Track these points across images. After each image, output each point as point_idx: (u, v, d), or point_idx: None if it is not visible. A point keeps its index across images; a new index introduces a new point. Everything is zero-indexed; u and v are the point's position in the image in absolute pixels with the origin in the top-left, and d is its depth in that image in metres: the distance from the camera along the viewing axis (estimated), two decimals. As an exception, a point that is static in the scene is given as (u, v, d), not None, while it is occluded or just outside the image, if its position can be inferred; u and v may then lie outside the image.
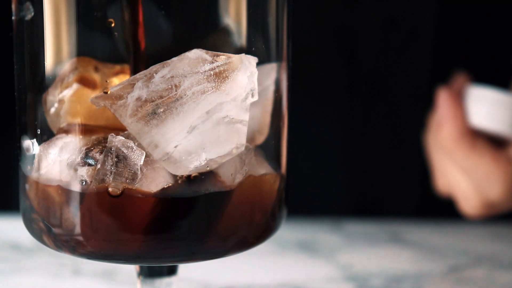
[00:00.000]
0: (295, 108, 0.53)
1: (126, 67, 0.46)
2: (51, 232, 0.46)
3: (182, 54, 0.44)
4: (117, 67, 0.46)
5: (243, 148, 0.45)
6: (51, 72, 0.46)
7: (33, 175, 0.47)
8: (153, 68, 0.44)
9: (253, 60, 0.45)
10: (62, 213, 0.46)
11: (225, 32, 0.47)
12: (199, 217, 0.46)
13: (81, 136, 0.45)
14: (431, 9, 0.86)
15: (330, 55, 0.86)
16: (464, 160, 0.75)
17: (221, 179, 0.46)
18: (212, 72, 0.44)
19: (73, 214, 0.45)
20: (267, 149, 0.49)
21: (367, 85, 0.87)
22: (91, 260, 0.47)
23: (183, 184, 0.45)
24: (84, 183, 0.45)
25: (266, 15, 0.47)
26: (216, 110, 0.44)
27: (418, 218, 0.85)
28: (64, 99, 0.46)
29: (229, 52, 0.44)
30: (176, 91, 0.44)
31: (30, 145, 0.47)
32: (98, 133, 0.45)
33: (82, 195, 0.45)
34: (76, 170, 0.45)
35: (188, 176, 0.45)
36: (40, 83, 0.47)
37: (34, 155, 0.47)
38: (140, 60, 0.45)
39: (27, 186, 0.48)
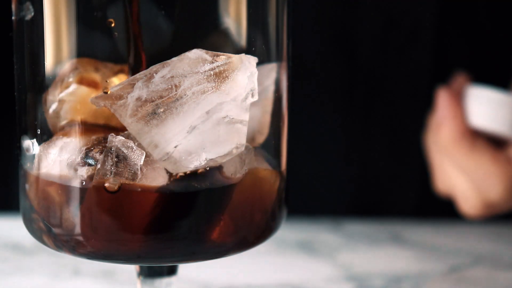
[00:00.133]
0: (295, 108, 0.53)
1: (126, 67, 0.46)
2: (51, 232, 0.46)
3: (182, 54, 0.44)
4: (117, 67, 0.46)
5: (243, 148, 0.45)
6: (51, 72, 0.46)
7: (33, 175, 0.47)
8: (153, 68, 0.44)
9: (253, 60, 0.45)
10: (62, 213, 0.46)
11: (225, 32, 0.47)
12: (199, 216, 0.46)
13: (81, 136, 0.45)
14: (431, 9, 0.86)
15: (330, 55, 0.86)
16: (464, 160, 0.75)
17: (221, 180, 0.46)
18: (212, 72, 0.44)
19: (73, 214, 0.45)
20: (267, 149, 0.49)
21: (367, 85, 0.87)
22: (91, 260, 0.47)
23: (183, 181, 0.45)
24: (84, 183, 0.45)
25: (266, 15, 0.48)
26: (216, 110, 0.44)
27: (418, 218, 0.85)
28: (64, 99, 0.46)
29: (229, 52, 0.44)
30: (176, 91, 0.44)
31: (30, 145, 0.47)
32: (98, 133, 0.45)
33: (82, 195, 0.45)
34: (76, 170, 0.45)
35: (189, 173, 0.45)
36: (40, 83, 0.47)
37: (34, 155, 0.47)
38: (140, 60, 0.45)
39: (27, 186, 0.48)
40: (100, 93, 0.44)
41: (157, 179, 0.44)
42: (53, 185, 0.46)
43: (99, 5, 0.45)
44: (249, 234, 0.48)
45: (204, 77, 0.44)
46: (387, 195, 0.90)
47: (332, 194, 0.89)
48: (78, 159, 0.45)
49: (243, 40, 0.47)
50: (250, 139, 0.47)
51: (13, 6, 0.47)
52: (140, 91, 0.44)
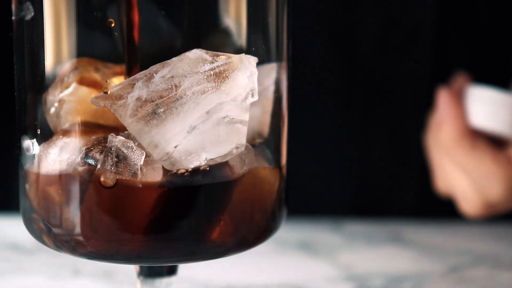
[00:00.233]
0: (295, 108, 0.53)
1: (126, 67, 0.46)
2: (51, 232, 0.46)
3: (182, 54, 0.44)
4: (117, 67, 0.46)
5: (243, 148, 0.45)
6: (51, 72, 0.46)
7: (33, 175, 0.47)
8: (153, 68, 0.44)
9: (253, 60, 0.45)
10: (62, 213, 0.46)
11: (225, 32, 0.47)
12: (199, 216, 0.46)
13: (81, 136, 0.45)
14: (431, 9, 0.86)
15: (330, 55, 0.86)
16: (464, 160, 0.75)
17: (221, 180, 0.46)
18: (212, 72, 0.44)
19: (73, 214, 0.45)
20: (267, 149, 0.49)
21: (367, 85, 0.87)
22: (91, 260, 0.47)
23: (184, 178, 0.45)
24: (84, 183, 0.45)
25: (266, 15, 0.48)
26: (216, 110, 0.44)
27: (418, 218, 0.85)
28: (64, 99, 0.46)
29: (229, 52, 0.44)
30: (176, 91, 0.44)
31: (30, 145, 0.47)
32: (98, 133, 0.45)
33: (82, 195, 0.45)
34: (76, 170, 0.45)
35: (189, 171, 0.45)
36: (40, 83, 0.47)
37: (34, 155, 0.47)
38: (140, 60, 0.45)
39: (27, 186, 0.48)
40: (100, 93, 0.44)
41: (157, 179, 0.44)
42: (53, 185, 0.46)
43: (99, 5, 0.45)
44: (249, 234, 0.48)
45: (204, 77, 0.44)
46: (387, 195, 0.90)
47: (332, 194, 0.89)
48: (78, 159, 0.45)
49: (243, 40, 0.47)
50: (250, 139, 0.47)
51: (13, 6, 0.47)
52: (140, 91, 0.44)
